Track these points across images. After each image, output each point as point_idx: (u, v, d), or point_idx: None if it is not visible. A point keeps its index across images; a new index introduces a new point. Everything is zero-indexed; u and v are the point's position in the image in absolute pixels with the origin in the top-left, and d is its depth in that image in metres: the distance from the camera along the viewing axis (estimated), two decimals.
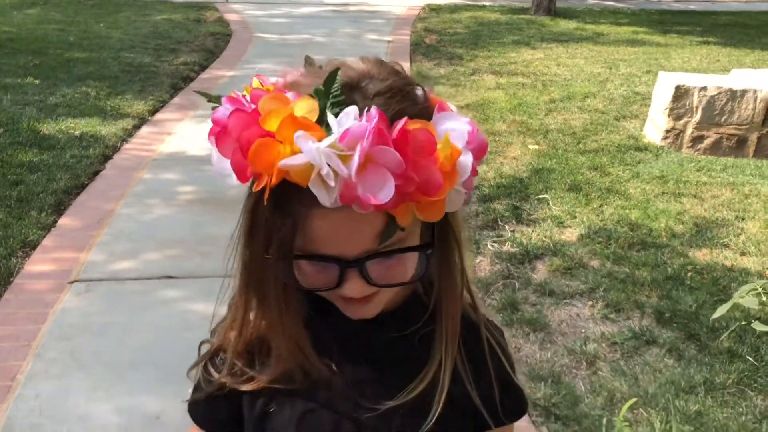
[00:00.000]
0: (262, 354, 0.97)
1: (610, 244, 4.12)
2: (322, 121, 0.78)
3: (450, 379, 0.96)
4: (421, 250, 0.88)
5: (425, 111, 0.84)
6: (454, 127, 0.82)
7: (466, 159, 0.83)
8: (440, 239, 0.92)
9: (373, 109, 0.76)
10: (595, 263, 3.95)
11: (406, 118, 0.78)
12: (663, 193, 4.87)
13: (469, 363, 0.99)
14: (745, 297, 1.94)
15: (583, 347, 3.18)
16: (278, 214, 0.81)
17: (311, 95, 0.79)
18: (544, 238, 4.18)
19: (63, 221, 4.16)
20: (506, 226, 4.35)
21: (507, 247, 4.09)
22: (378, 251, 0.83)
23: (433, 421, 0.95)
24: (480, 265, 3.93)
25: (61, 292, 3.39)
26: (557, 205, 4.61)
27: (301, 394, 0.97)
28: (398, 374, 0.97)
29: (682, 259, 3.98)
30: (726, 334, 3.08)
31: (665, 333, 3.32)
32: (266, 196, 0.78)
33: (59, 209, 4.31)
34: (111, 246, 3.86)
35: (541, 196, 4.72)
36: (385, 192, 0.76)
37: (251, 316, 0.97)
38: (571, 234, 4.28)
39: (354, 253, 0.82)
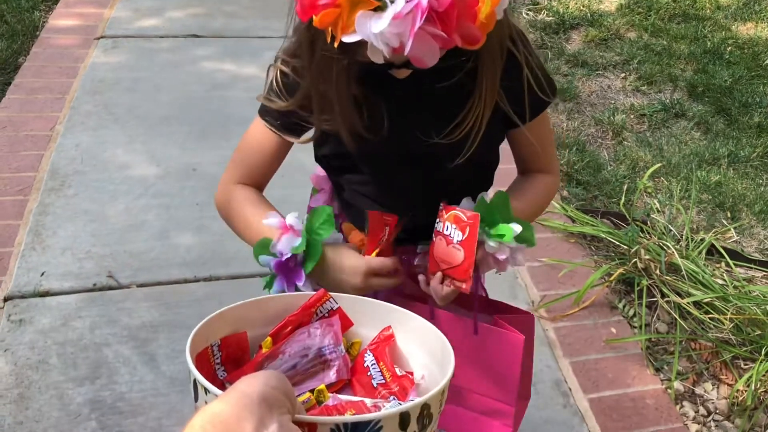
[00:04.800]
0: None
1: (649, 15, 3.95)
2: None
3: (489, 114, 1.07)
4: (459, 62, 0.97)
5: None
6: None
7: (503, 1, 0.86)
8: None
9: None
10: (632, 35, 3.82)
11: None
12: None
13: (505, 89, 1.07)
14: None
15: (611, 118, 3.18)
16: (338, 48, 0.86)
17: None
18: (581, 8, 4.00)
19: None
20: None
21: (542, 16, 3.93)
22: None
23: (476, 141, 1.08)
24: None
25: (89, 47, 3.37)
26: None
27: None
28: (449, 110, 1.07)
29: (723, 32, 3.83)
30: None
31: (696, 106, 3.29)
32: (328, 39, 0.85)
33: None
34: (134, 2, 3.76)
35: None
36: (431, 59, 0.85)
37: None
38: (610, 3, 4.08)
39: (429, 66, 0.88)
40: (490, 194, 1.12)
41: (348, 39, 0.82)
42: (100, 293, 2.17)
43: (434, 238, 1.08)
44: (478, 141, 1.07)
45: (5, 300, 2.11)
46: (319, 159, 1.23)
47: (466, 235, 1.03)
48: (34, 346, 1.98)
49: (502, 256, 1.07)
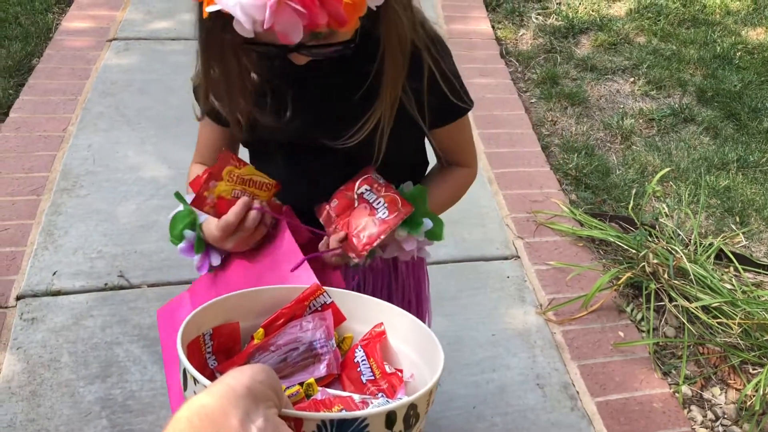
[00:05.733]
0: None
1: (659, 20, 3.95)
2: None
3: (393, 115, 1.07)
4: (346, 44, 0.95)
5: None
6: None
7: None
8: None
9: None
10: (641, 39, 3.82)
11: None
12: None
13: (412, 91, 1.09)
14: None
15: (620, 122, 3.18)
16: (222, 27, 0.89)
17: None
18: (591, 12, 4.00)
19: None
20: None
21: (552, 20, 3.94)
22: (311, 44, 0.92)
23: (381, 150, 1.10)
24: (522, 38, 3.82)
25: (101, 49, 3.40)
26: None
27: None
28: (353, 110, 1.07)
29: (733, 37, 3.83)
30: None
31: (705, 111, 3.29)
32: (204, 15, 0.86)
33: None
34: (146, 5, 3.79)
35: None
36: (295, 34, 0.85)
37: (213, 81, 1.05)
38: (619, 8, 4.09)
39: (294, 42, 0.89)
40: (410, 186, 1.18)
41: (210, 9, 0.84)
42: (112, 293, 2.19)
43: (357, 203, 1.11)
44: (386, 141, 1.09)
45: (18, 299, 2.13)
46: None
47: (390, 217, 1.08)
48: (46, 344, 2.00)
49: (408, 247, 1.13)
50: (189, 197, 1.13)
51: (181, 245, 1.13)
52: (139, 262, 2.30)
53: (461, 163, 1.27)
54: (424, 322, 1.45)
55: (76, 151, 2.75)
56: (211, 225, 1.11)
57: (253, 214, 1.07)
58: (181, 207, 1.14)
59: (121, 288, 2.21)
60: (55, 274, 2.22)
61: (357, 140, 1.07)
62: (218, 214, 1.07)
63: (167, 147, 2.81)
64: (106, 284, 2.21)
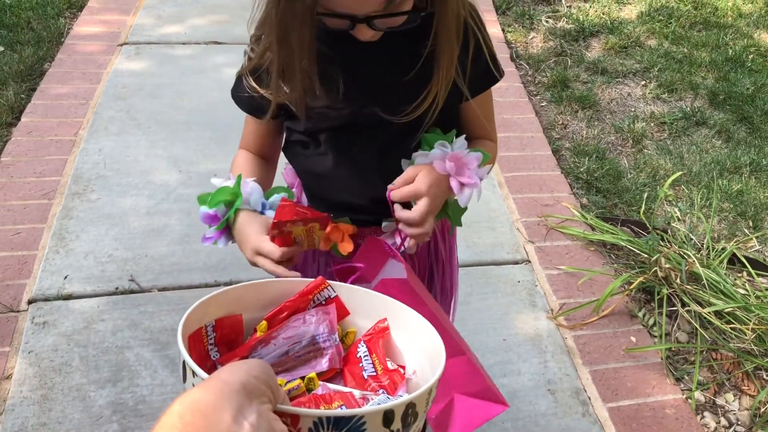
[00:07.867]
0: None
1: (670, 23, 3.93)
2: None
3: (448, 90, 1.12)
4: (416, 12, 1.02)
5: None
6: None
7: None
8: None
9: None
10: (652, 42, 3.80)
11: None
12: None
13: (459, 62, 1.12)
14: None
15: (631, 126, 3.17)
16: None
17: None
18: (602, 15, 3.99)
19: None
20: (563, 1, 4.15)
21: (562, 23, 3.93)
22: (382, 13, 0.98)
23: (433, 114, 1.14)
24: (533, 41, 3.81)
25: (112, 54, 3.41)
26: None
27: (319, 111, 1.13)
28: (408, 86, 1.11)
29: (746, 40, 3.80)
30: None
31: (717, 115, 3.27)
32: None
33: None
34: (157, 9, 3.81)
35: None
36: None
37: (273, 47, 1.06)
38: (630, 11, 4.07)
39: (363, 12, 0.97)
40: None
41: None
42: (122, 297, 2.19)
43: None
44: (435, 117, 1.13)
45: (29, 303, 2.14)
46: (284, 147, 1.30)
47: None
48: (57, 348, 2.01)
49: (479, 176, 1.14)
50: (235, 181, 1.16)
51: (208, 212, 1.14)
52: (149, 266, 2.30)
53: (488, 136, 1.29)
54: (450, 305, 1.45)
55: (88, 155, 2.76)
56: (249, 229, 1.10)
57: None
58: (230, 183, 1.15)
59: (132, 292, 2.21)
60: (66, 278, 2.22)
61: (415, 116, 1.11)
62: (281, 239, 1.08)
63: (178, 151, 2.82)
64: (116, 288, 2.22)
